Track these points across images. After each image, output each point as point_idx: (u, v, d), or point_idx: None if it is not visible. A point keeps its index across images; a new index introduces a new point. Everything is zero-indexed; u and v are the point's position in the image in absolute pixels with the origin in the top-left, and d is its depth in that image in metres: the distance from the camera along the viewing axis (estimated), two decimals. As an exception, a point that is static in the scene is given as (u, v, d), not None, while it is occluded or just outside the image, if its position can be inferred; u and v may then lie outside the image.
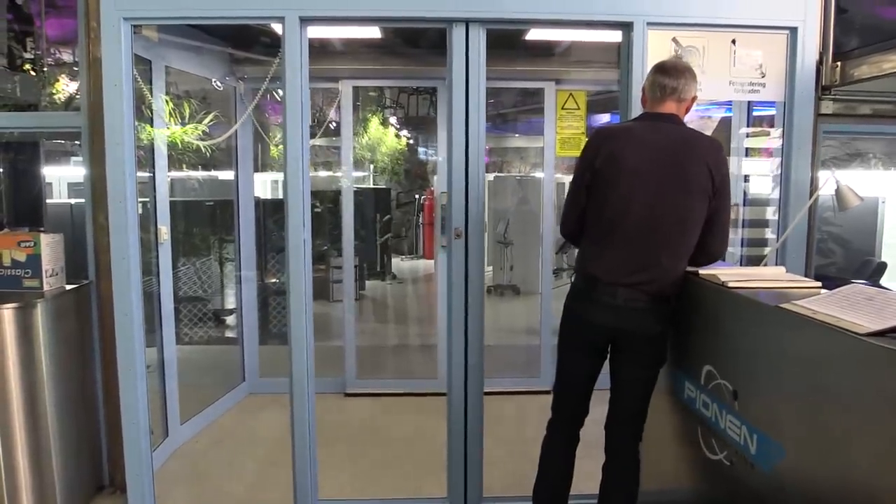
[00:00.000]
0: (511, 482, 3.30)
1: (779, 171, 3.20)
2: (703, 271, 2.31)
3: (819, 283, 2.11)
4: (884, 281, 4.35)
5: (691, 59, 2.81)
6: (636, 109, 2.82)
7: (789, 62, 2.88)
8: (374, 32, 3.90)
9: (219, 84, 4.82)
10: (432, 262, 11.41)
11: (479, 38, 2.81)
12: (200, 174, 6.20)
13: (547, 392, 4.84)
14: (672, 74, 2.40)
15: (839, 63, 3.04)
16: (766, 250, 3.35)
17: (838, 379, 1.59)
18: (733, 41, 2.87)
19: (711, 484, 2.21)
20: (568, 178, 10.49)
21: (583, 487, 2.66)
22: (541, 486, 2.63)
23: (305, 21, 2.74)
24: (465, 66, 2.82)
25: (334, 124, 10.29)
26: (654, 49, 2.81)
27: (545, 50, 4.44)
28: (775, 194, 3.25)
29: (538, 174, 10.66)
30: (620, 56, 2.88)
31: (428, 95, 9.83)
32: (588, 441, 2.61)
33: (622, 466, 2.51)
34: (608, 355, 2.53)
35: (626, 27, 2.80)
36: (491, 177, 10.91)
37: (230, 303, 6.67)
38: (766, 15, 2.83)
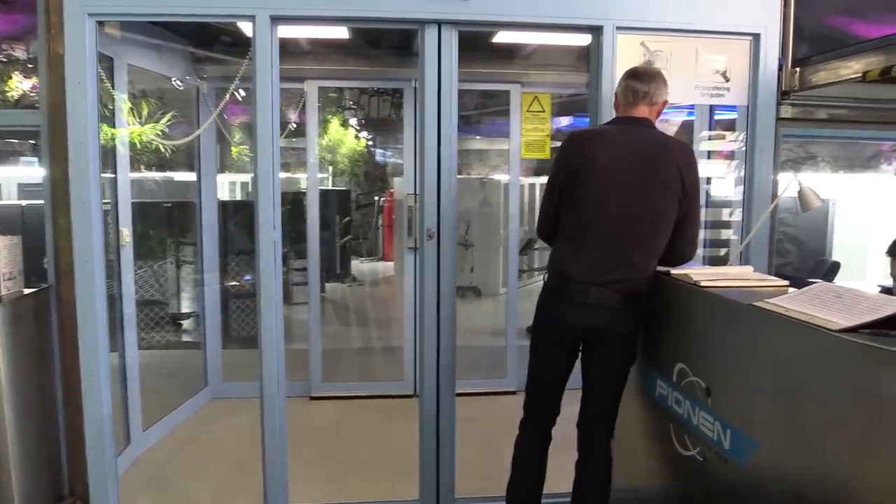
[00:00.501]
0: (483, 483, 3.30)
1: (737, 173, 3.30)
2: (674, 271, 2.36)
3: (787, 282, 2.18)
4: (838, 280, 4.51)
5: (658, 63, 2.86)
6: (606, 111, 2.87)
7: (752, 67, 2.97)
8: (341, 33, 3.87)
9: (179, 83, 4.73)
10: (391, 263, 11.39)
11: (451, 40, 2.81)
12: (158, 175, 6.06)
13: (513, 392, 4.88)
14: (644, 79, 2.47)
15: (798, 69, 3.14)
16: (725, 251, 3.43)
17: (812, 374, 1.64)
18: (698, 47, 2.94)
19: (685, 480, 2.25)
20: (530, 181, 10.59)
21: (554, 487, 2.68)
22: (514, 485, 2.64)
23: (276, 20, 2.71)
24: (438, 68, 2.82)
25: (294, 125, 10.20)
26: (623, 53, 2.86)
27: (511, 52, 4.48)
28: (734, 196, 3.35)
29: (498, 176, 10.73)
30: (590, 59, 2.92)
31: (388, 97, 9.80)
32: (558, 440, 2.63)
33: (595, 464, 2.54)
34: (580, 354, 2.57)
35: (596, 31, 2.84)
36: (452, 179, 10.89)
37: (188, 307, 6.55)
38: (730, 21, 2.90)
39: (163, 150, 4.64)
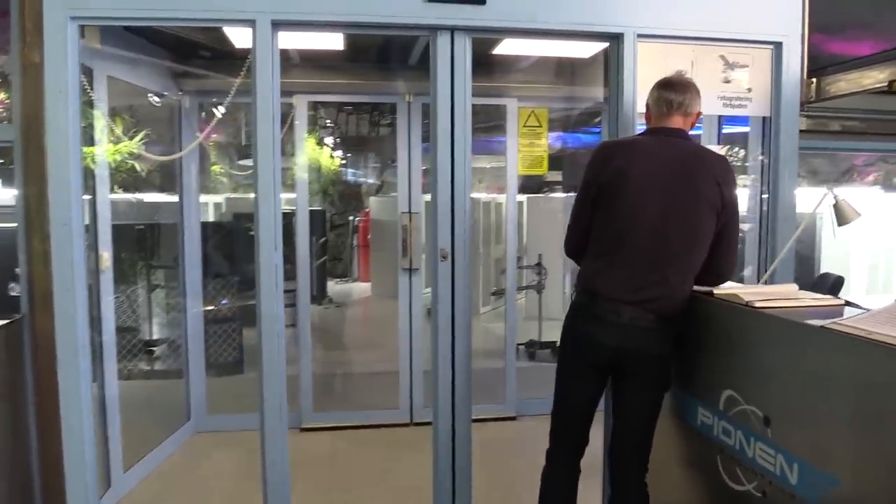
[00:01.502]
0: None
1: (750, 188, 3.19)
2: (718, 291, 2.20)
3: (842, 301, 2.04)
4: (843, 295, 4.42)
5: (686, 67, 2.74)
6: (625, 122, 2.74)
7: (774, 77, 2.86)
8: (336, 43, 3.68)
9: (156, 99, 4.49)
10: (368, 285, 11.15)
11: (464, 48, 2.65)
12: (133, 196, 5.78)
13: (513, 418, 4.68)
14: (678, 89, 2.35)
15: (815, 79, 3.05)
16: (749, 269, 3.30)
17: (904, 403, 1.48)
18: (722, 55, 2.82)
19: (738, 517, 2.08)
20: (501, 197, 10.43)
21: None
22: None
23: (278, 25, 2.52)
24: (451, 79, 2.65)
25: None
26: (642, 61, 2.73)
27: (507, 65, 4.34)
28: (748, 211, 3.24)
29: (480, 195, 10.61)
30: (609, 68, 2.78)
31: (366, 114, 9.62)
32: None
33: (632, 501, 2.36)
34: (609, 379, 2.40)
35: (616, 38, 2.70)
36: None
37: (161, 333, 6.25)
38: (752, 29, 2.79)
39: (138, 169, 4.39)
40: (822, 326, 1.71)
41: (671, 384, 2.35)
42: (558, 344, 2.47)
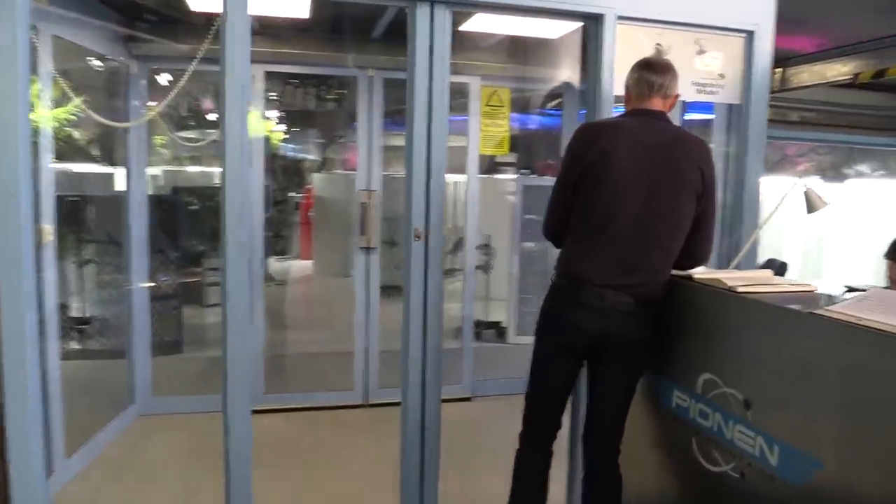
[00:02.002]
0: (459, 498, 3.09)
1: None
2: (699, 276, 2.22)
3: (814, 286, 2.08)
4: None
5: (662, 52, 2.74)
6: (604, 104, 2.72)
7: (746, 65, 2.89)
8: (303, 11, 3.53)
9: (98, 63, 4.23)
10: (309, 262, 10.96)
11: (444, 21, 2.57)
12: (76, 167, 5.49)
13: (468, 399, 4.68)
14: (658, 71, 2.34)
15: (780, 69, 3.11)
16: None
17: (893, 388, 1.52)
18: (696, 41, 2.83)
19: (713, 497, 2.11)
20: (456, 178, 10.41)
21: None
22: (517, 502, 2.45)
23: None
24: (430, 52, 2.57)
25: (214, 115, 9.57)
26: (623, 44, 2.72)
27: (472, 43, 4.26)
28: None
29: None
30: (588, 50, 2.75)
31: (314, 88, 9.34)
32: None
33: (607, 483, 2.38)
34: (585, 364, 2.40)
35: (596, 19, 2.68)
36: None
37: (92, 311, 5.98)
38: (726, 17, 2.81)
39: (76, 137, 4.13)
40: (811, 312, 1.74)
41: (647, 368, 2.37)
42: (536, 330, 2.44)
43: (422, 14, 2.54)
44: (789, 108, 3.39)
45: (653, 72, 2.33)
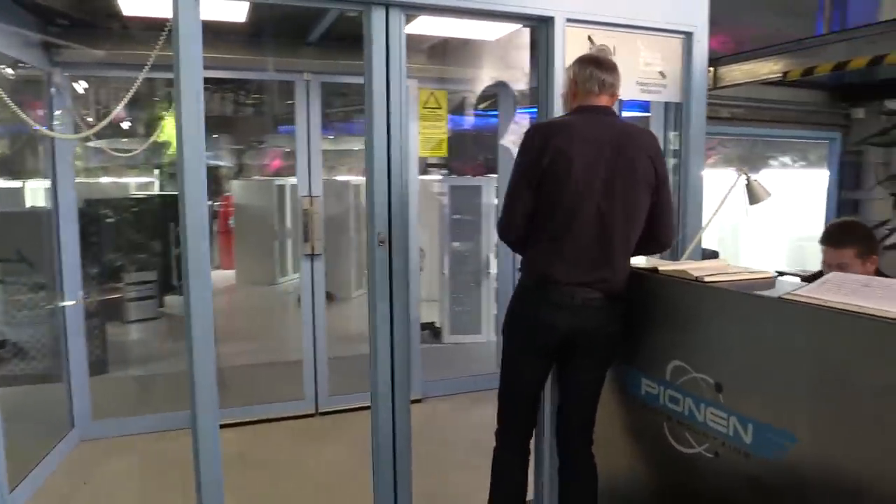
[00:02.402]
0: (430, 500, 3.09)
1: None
2: (664, 268, 2.32)
3: (774, 273, 2.22)
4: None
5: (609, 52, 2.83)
6: (555, 105, 2.79)
7: (685, 65, 3.03)
8: (240, 15, 3.43)
9: (10, 71, 3.99)
10: (232, 272, 10.67)
11: (399, 24, 2.57)
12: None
13: (419, 401, 4.68)
14: (608, 69, 2.40)
15: (713, 68, 3.28)
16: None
17: (864, 364, 1.64)
18: (638, 43, 2.95)
19: (687, 477, 2.21)
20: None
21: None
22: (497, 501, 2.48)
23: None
24: (386, 56, 2.57)
25: (128, 123, 9.15)
26: (570, 46, 2.79)
27: (411, 45, 4.26)
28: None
29: (350, 178, 10.45)
30: (539, 51, 2.81)
31: (231, 93, 9.10)
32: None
33: (583, 473, 2.45)
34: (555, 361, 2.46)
35: (546, 22, 2.74)
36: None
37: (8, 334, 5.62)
38: (667, 19, 2.94)
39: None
40: (779, 298, 1.85)
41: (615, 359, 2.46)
42: (504, 330, 2.46)
43: (377, 17, 2.53)
44: (720, 104, 3.58)
45: (604, 70, 2.38)
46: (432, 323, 7.02)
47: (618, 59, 2.85)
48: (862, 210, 5.29)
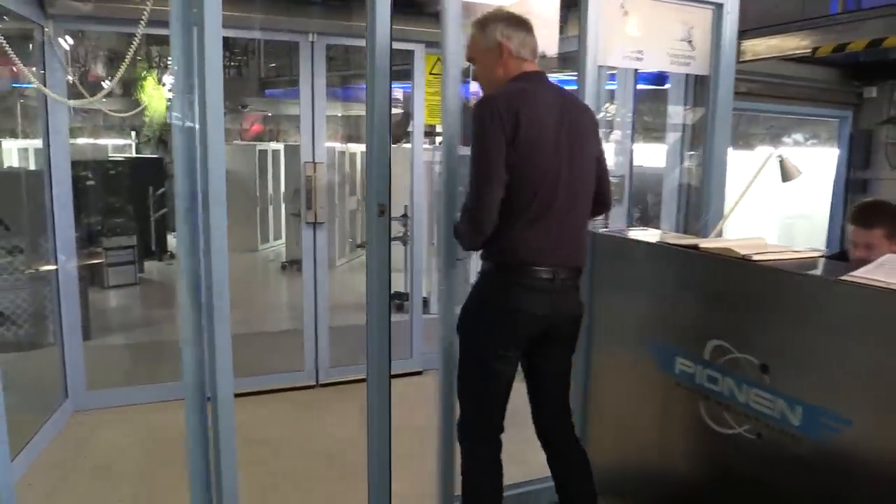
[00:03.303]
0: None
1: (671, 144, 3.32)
2: (705, 244, 2.26)
3: (820, 251, 2.18)
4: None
5: (637, 24, 2.75)
6: (589, 72, 2.70)
7: (714, 37, 2.96)
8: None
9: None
10: (211, 238, 10.42)
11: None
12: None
13: (419, 373, 4.63)
14: (532, 32, 2.24)
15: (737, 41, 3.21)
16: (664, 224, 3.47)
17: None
18: (669, 12, 2.87)
19: (727, 457, 2.19)
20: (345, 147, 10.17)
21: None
22: None
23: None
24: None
25: (107, 82, 8.81)
26: (604, 14, 2.70)
27: (418, 8, 4.12)
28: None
29: (333, 144, 10.23)
30: (580, 18, 2.71)
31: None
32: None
33: (577, 457, 2.39)
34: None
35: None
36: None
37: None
38: (699, -12, 2.86)
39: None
40: (837, 279, 1.81)
41: None
42: (468, 324, 2.24)
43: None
44: (738, 79, 3.52)
45: (531, 34, 2.21)
46: (402, 293, 6.88)
47: (650, 29, 2.79)
48: (871, 190, 5.32)
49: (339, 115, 11.37)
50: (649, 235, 2.67)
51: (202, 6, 2.15)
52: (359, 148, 10.34)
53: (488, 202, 2.07)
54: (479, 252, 2.23)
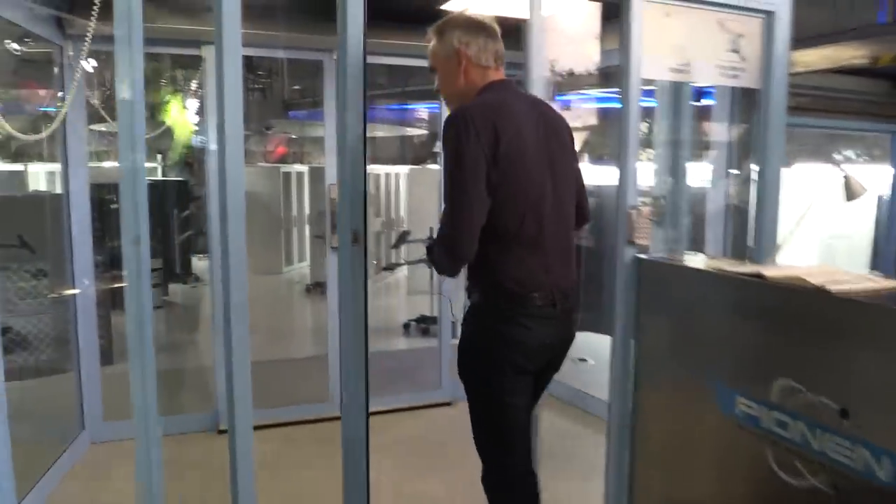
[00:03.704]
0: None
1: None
2: (771, 273, 2.05)
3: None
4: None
5: (685, 34, 2.57)
6: (633, 88, 2.52)
7: (765, 47, 2.76)
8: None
9: (15, 47, 3.71)
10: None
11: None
12: None
13: (448, 404, 4.42)
14: (496, 37, 2.08)
15: (786, 52, 3.01)
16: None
17: None
18: (719, 21, 2.68)
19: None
20: (390, 169, 10.09)
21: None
22: None
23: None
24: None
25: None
26: (647, 24, 2.52)
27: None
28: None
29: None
30: (622, 29, 2.54)
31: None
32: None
33: (534, 485, 2.21)
34: None
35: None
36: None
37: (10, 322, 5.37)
38: (748, -4, 2.68)
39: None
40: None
41: None
42: (476, 361, 2.05)
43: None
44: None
45: (495, 38, 2.07)
46: (428, 317, 6.69)
47: (698, 40, 2.61)
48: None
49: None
50: (698, 261, 2.47)
51: (220, 22, 2.03)
52: (383, 169, 10.27)
53: (468, 226, 1.89)
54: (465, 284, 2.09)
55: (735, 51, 2.73)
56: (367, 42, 2.13)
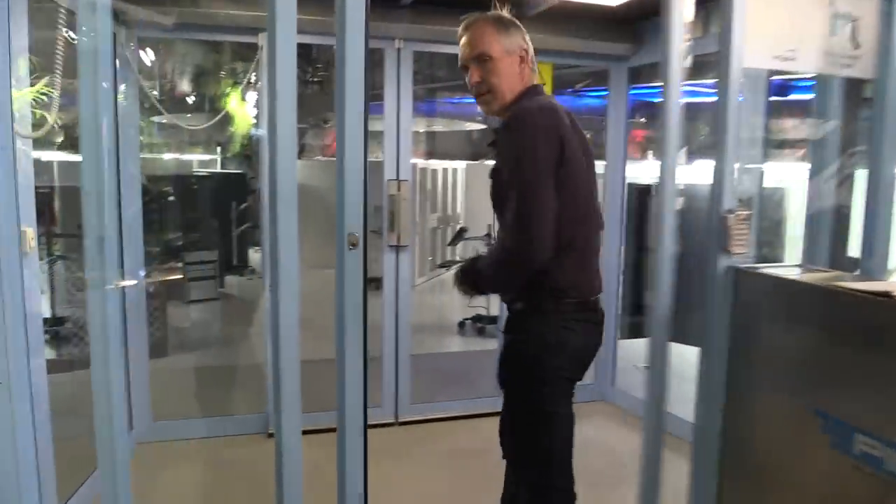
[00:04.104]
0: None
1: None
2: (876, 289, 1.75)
3: None
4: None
5: (794, 16, 2.27)
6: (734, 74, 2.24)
7: (883, 33, 2.44)
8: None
9: (73, 35, 3.62)
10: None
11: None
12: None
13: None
14: None
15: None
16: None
17: None
18: (831, 3, 2.37)
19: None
20: (446, 165, 9.89)
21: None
22: None
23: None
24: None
25: (193, 98, 8.84)
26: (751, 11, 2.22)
27: (520, 9, 3.73)
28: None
29: (418, 160, 10.00)
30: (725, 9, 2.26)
31: (297, 69, 8.71)
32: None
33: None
34: None
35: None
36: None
37: (63, 311, 5.44)
38: (865, -27, 2.36)
39: (50, 121, 3.58)
40: None
41: None
42: (534, 369, 1.95)
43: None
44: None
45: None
46: (485, 316, 6.44)
47: (803, 25, 2.32)
48: None
49: (421, 130, 11.14)
50: (811, 276, 2.18)
51: (274, 6, 1.85)
52: (440, 164, 10.07)
53: (542, 222, 1.82)
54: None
55: (847, 37, 2.41)
56: (369, 26, 1.96)
